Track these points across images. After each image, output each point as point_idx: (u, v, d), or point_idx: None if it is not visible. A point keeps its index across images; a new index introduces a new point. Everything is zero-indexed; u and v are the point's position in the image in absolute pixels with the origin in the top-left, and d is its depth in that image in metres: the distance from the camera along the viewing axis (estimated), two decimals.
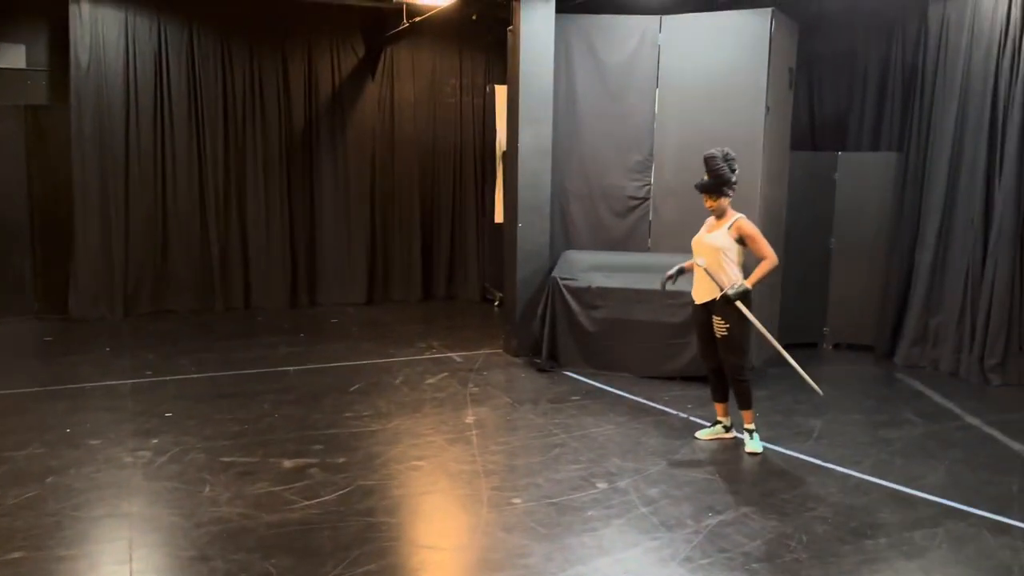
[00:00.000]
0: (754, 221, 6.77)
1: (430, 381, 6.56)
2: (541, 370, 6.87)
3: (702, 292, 5.07)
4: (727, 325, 4.91)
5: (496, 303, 10.05)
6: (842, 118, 8.43)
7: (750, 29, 6.82)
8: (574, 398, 6.14)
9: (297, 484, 4.40)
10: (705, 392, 6.25)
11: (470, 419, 5.61)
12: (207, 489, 4.32)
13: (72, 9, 8.43)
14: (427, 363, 7.15)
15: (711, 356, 5.13)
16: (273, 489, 4.34)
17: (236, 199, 9.45)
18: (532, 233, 7.23)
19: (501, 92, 9.16)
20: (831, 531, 3.96)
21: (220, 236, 9.37)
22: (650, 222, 7.39)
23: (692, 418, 5.68)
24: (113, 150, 8.77)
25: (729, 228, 4.96)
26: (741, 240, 4.96)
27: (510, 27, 7.21)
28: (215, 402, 5.87)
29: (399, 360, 7.20)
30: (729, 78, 6.91)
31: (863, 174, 7.79)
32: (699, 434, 5.28)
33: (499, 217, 9.61)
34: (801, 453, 5.04)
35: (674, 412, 5.83)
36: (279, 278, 9.64)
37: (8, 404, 5.82)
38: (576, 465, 4.75)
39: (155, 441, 5.05)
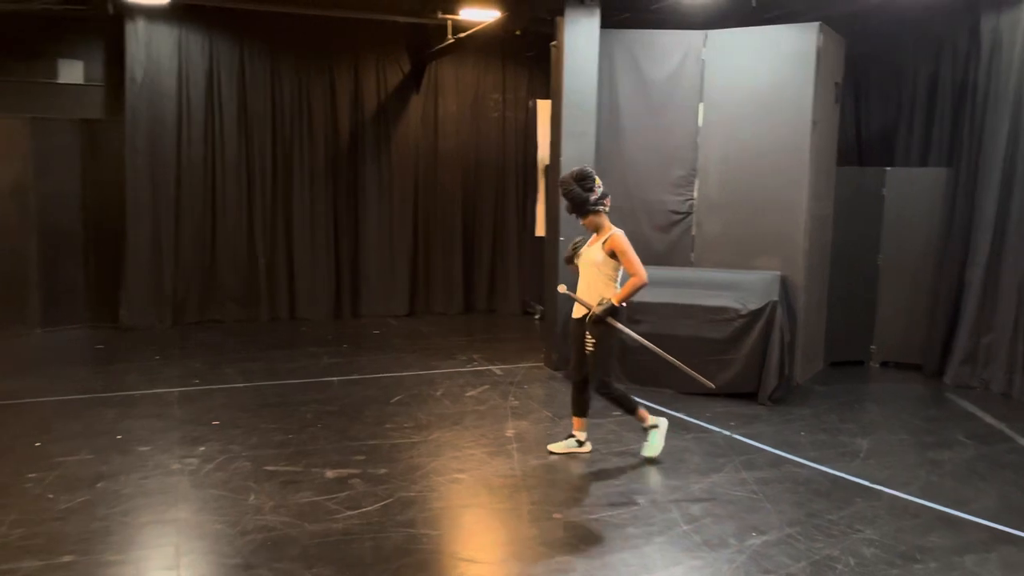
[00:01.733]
0: (800, 237, 6.82)
1: (471, 394, 6.58)
2: None
3: (578, 306, 5.08)
4: (593, 341, 4.93)
5: (537, 316, 10.05)
6: (890, 133, 8.31)
7: (797, 43, 6.77)
8: (615, 413, 6.07)
9: (339, 494, 4.44)
10: (749, 410, 6.22)
11: (511, 432, 5.61)
12: (252, 497, 4.38)
13: (128, 26, 8.69)
14: (468, 376, 7.18)
15: (580, 370, 5.12)
16: (316, 499, 4.38)
17: (283, 212, 9.61)
18: None
19: (543, 107, 9.20)
20: (879, 554, 3.87)
21: (266, 248, 9.54)
22: (693, 236, 7.34)
23: (735, 436, 5.62)
24: (165, 163, 9.00)
25: (604, 243, 4.96)
26: (613, 254, 4.95)
27: (554, 42, 7.25)
28: (260, 411, 5.96)
29: (440, 372, 7.24)
30: (774, 93, 6.85)
31: (912, 190, 7.65)
32: (551, 446, 5.23)
33: (540, 230, 9.62)
34: (848, 473, 4.95)
35: (716, 429, 5.76)
36: (323, 289, 9.78)
37: (60, 410, 5.99)
38: (617, 481, 4.72)
39: (202, 449, 5.15)
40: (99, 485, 4.51)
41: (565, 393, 6.65)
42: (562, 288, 5.04)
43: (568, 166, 7.10)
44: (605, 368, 4.97)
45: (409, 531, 4.01)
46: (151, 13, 8.73)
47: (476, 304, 10.65)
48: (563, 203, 5.02)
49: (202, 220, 9.26)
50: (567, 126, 7.11)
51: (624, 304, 4.93)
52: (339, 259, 9.93)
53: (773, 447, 5.40)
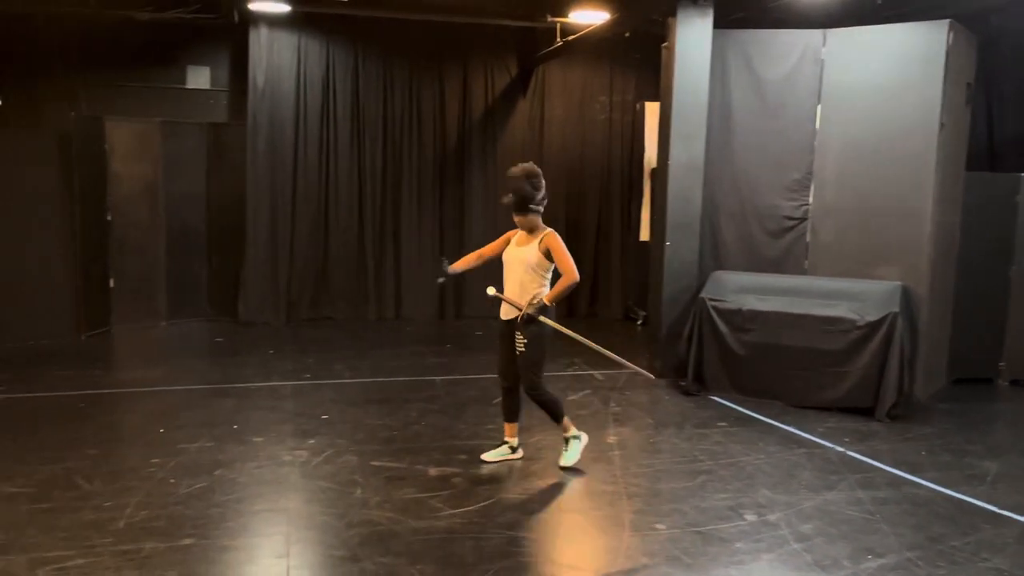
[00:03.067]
0: (924, 245, 6.45)
1: (572, 398, 6.54)
2: (686, 393, 6.70)
3: (505, 308, 4.87)
4: (524, 341, 4.74)
5: (639, 322, 9.92)
6: None
7: (924, 42, 6.42)
8: (721, 424, 5.94)
9: (442, 492, 4.50)
10: (865, 426, 5.94)
11: (612, 439, 5.55)
12: (358, 491, 4.49)
13: (252, 34, 9.11)
14: (569, 380, 7.14)
15: (509, 375, 4.93)
16: (419, 496, 4.45)
17: (392, 214, 9.85)
18: (680, 252, 7.09)
19: (651, 109, 9.08)
20: None
21: (375, 249, 9.80)
22: (807, 243, 7.06)
23: (849, 452, 5.36)
24: (282, 166, 9.38)
25: (539, 243, 4.77)
26: (548, 254, 4.75)
27: (665, 43, 7.13)
28: (367, 407, 6.11)
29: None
30: (899, 93, 6.52)
31: None
32: (485, 455, 5.04)
33: (645, 235, 9.50)
34: (974, 498, 4.64)
35: (829, 445, 5.52)
36: (428, 290, 9.94)
37: (183, 400, 6.31)
38: (723, 494, 4.58)
39: (312, 442, 5.32)
40: (217, 472, 4.72)
41: (668, 401, 6.57)
42: (491, 290, 4.85)
43: (677, 169, 7.01)
44: (537, 369, 4.83)
45: (510, 533, 4.02)
46: (273, 21, 9.12)
47: (578, 308, 10.59)
48: (507, 197, 4.83)
49: (316, 221, 9.59)
50: (676, 128, 6.98)
51: (553, 303, 4.78)
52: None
53: (891, 466, 5.13)
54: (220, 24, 8.88)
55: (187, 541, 3.83)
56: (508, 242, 4.99)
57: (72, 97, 8.82)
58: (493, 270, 5.09)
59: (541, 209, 4.86)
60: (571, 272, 4.71)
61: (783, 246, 7.15)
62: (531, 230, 4.86)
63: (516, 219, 4.87)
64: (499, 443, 5.12)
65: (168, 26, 8.77)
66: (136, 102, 9.12)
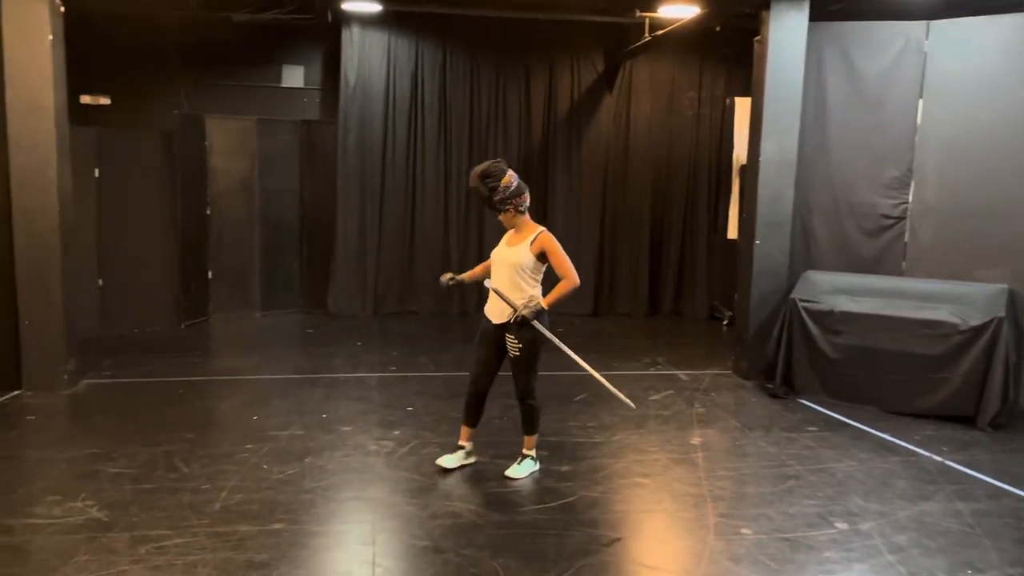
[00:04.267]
0: None
1: (655, 397, 6.47)
2: (774, 395, 6.54)
3: (496, 311, 4.57)
4: (520, 345, 4.49)
5: (725, 322, 9.73)
6: None
7: None
8: (811, 428, 5.77)
9: (523, 488, 4.52)
10: (965, 435, 5.68)
11: (696, 440, 5.46)
12: (441, 483, 4.56)
13: (344, 33, 9.33)
14: (652, 379, 7.07)
15: (484, 381, 4.70)
16: (501, 490, 4.49)
17: (476, 211, 9.93)
18: (770, 250, 6.92)
19: (742, 104, 8.88)
20: None
21: (459, 245, 9.92)
22: (906, 243, 6.79)
23: (948, 462, 5.13)
24: (372, 162, 9.59)
25: (531, 243, 4.48)
26: (543, 256, 4.47)
27: (757, 37, 6.96)
28: (450, 400, 6.19)
29: (623, 374, 7.18)
30: (1010, 87, 6.20)
31: None
32: (442, 461, 4.76)
33: (733, 233, 9.31)
34: None
35: (926, 454, 5.29)
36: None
37: (275, 388, 6.53)
38: (812, 501, 4.45)
39: (397, 433, 5.43)
40: (307, 460, 4.87)
41: (755, 403, 6.42)
42: (492, 283, 4.54)
43: (768, 166, 6.85)
44: (534, 374, 4.60)
45: (591, 531, 4.01)
46: (364, 20, 9.32)
47: (661, 306, 10.47)
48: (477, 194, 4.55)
49: (403, 217, 9.76)
50: (768, 124, 6.81)
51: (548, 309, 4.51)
52: None
53: (993, 477, 4.88)
54: (314, 24, 9.15)
55: (278, 525, 3.96)
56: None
57: (175, 96, 9.23)
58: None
59: (521, 206, 4.53)
60: (572, 275, 4.44)
61: (879, 246, 6.89)
62: (517, 229, 4.59)
63: (505, 218, 4.59)
64: (456, 448, 4.86)
65: (264, 27, 9.09)
66: (234, 101, 9.48)
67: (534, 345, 4.54)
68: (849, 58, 6.89)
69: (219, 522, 3.97)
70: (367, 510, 4.22)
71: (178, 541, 3.76)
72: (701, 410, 6.17)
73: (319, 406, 5.99)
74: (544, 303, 4.48)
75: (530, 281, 4.54)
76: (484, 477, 4.67)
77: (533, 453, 4.83)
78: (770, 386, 6.63)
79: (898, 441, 5.52)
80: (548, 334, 4.49)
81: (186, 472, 4.62)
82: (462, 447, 4.86)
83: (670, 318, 10.31)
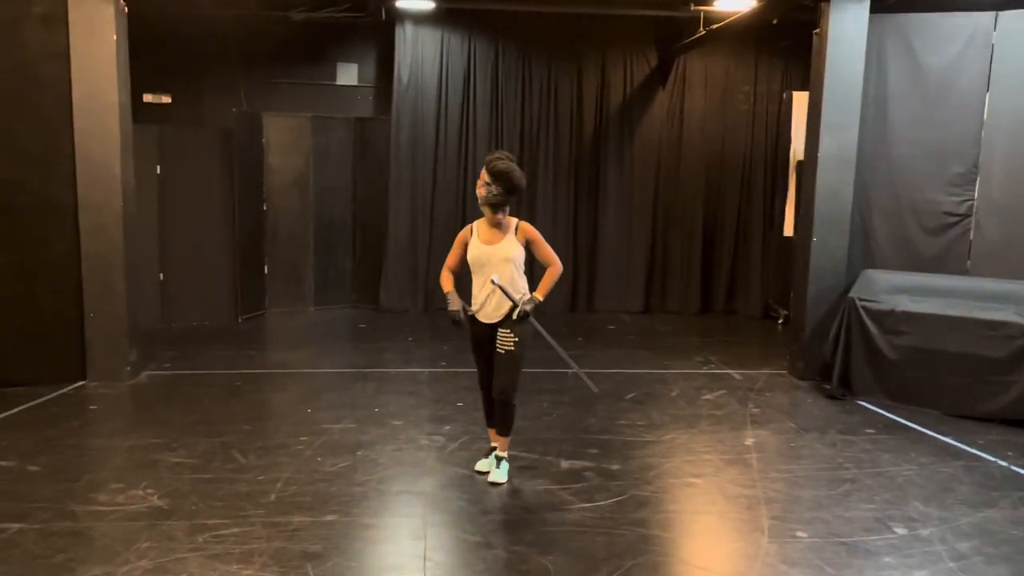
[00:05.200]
0: None
1: (707, 397, 6.39)
2: (831, 396, 6.40)
3: (491, 311, 4.44)
4: (516, 339, 4.36)
5: (780, 321, 9.56)
6: None
7: None
8: (868, 431, 5.64)
9: (573, 485, 4.51)
10: None
11: (749, 441, 5.37)
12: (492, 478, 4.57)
13: (398, 31, 9.41)
14: (704, 378, 6.98)
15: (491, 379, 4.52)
16: (551, 487, 4.48)
17: (526, 207, 9.91)
18: (828, 248, 6.77)
19: (799, 99, 8.70)
20: None
21: None
22: (970, 242, 6.58)
23: (1014, 467, 4.96)
24: (423, 159, 9.65)
25: (516, 234, 4.40)
26: (526, 245, 4.40)
27: (816, 30, 6.81)
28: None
29: (675, 372, 7.10)
30: None
31: None
32: (480, 466, 4.66)
33: (789, 230, 9.13)
34: None
35: (991, 459, 5.12)
36: (560, 283, 9.92)
37: (328, 382, 6.63)
38: (870, 505, 4.35)
39: (447, 428, 5.46)
40: (359, 453, 4.93)
41: (811, 404, 6.30)
42: (497, 278, 4.38)
43: (827, 161, 6.70)
44: (520, 371, 4.47)
45: (641, 531, 3.97)
46: (418, 18, 9.38)
47: (714, 304, 10.33)
48: (486, 190, 4.43)
49: (453, 214, 9.80)
50: (827, 119, 6.66)
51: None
52: (577, 254, 10.08)
53: None
54: (368, 22, 9.24)
55: (331, 517, 4.02)
56: (465, 244, 4.57)
57: (234, 94, 9.42)
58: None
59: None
60: (556, 262, 4.50)
61: (942, 244, 6.69)
62: (498, 224, 4.49)
63: (498, 216, 4.48)
64: (489, 450, 4.75)
65: (320, 25, 9.21)
66: (290, 98, 9.64)
67: (527, 342, 4.48)
68: (912, 51, 6.70)
69: (274, 512, 4.04)
70: (418, 504, 4.25)
71: (235, 530, 3.84)
72: (755, 410, 6.07)
73: (371, 400, 6.06)
74: (539, 295, 4.44)
75: (521, 273, 4.53)
76: (534, 474, 4.67)
77: (506, 454, 4.65)
78: (827, 387, 6.50)
79: (960, 445, 5.36)
80: (538, 325, 4.48)
81: (243, 463, 4.72)
82: (494, 447, 4.81)
83: (722, 316, 10.17)
